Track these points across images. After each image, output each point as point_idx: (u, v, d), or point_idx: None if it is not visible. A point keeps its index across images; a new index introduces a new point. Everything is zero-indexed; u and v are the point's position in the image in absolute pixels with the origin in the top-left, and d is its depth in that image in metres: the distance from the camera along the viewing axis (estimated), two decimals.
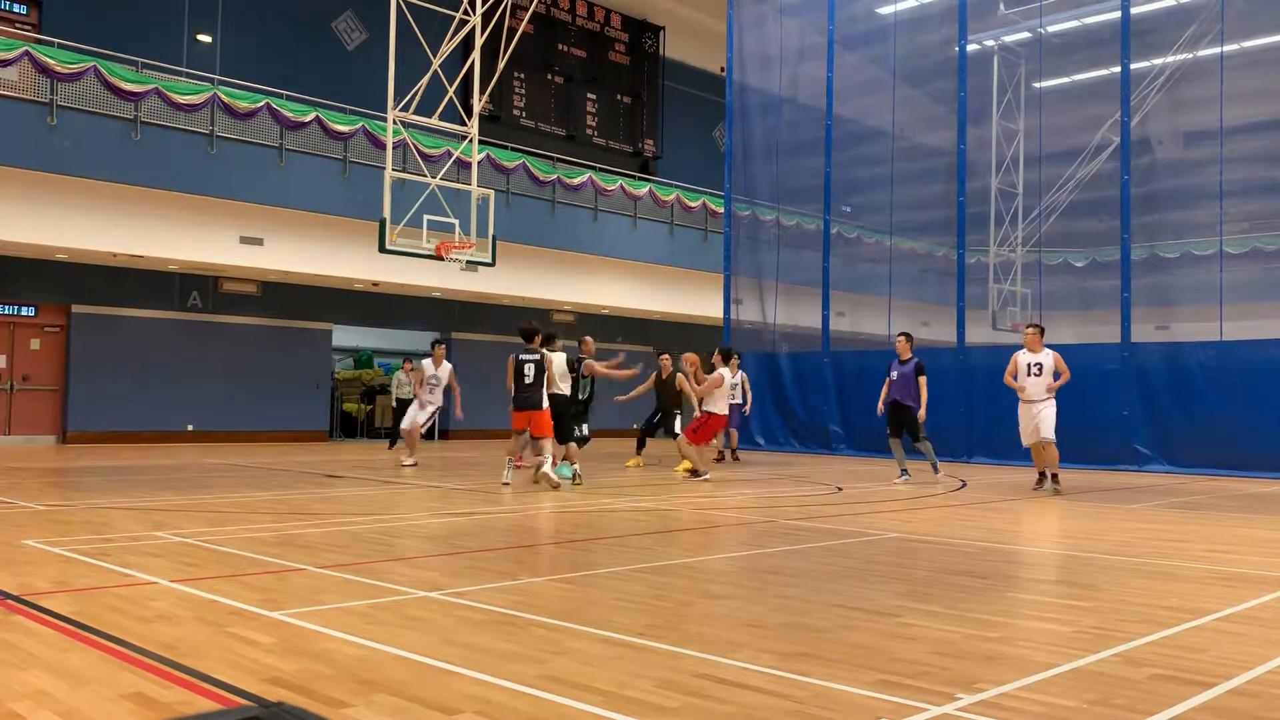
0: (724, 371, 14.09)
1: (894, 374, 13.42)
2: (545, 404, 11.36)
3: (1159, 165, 20.28)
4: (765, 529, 8.40)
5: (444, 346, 15.77)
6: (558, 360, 12.10)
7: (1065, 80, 22.53)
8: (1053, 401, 12.04)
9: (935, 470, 13.85)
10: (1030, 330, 12.42)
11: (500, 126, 25.22)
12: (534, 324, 11.71)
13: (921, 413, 13.23)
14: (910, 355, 13.48)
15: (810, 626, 4.57)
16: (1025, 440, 12.31)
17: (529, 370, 11.30)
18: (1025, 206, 23.14)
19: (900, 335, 13.81)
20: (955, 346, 19.13)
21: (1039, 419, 11.98)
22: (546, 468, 11.40)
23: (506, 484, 11.54)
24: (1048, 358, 12.07)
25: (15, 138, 16.50)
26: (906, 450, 13.60)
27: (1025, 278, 23.32)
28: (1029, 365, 12.13)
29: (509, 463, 11.82)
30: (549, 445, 11.54)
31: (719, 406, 13.60)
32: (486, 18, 17.33)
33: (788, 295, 22.13)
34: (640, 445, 16.42)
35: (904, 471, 13.43)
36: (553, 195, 23.58)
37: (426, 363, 15.20)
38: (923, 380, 13.23)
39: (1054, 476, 12.16)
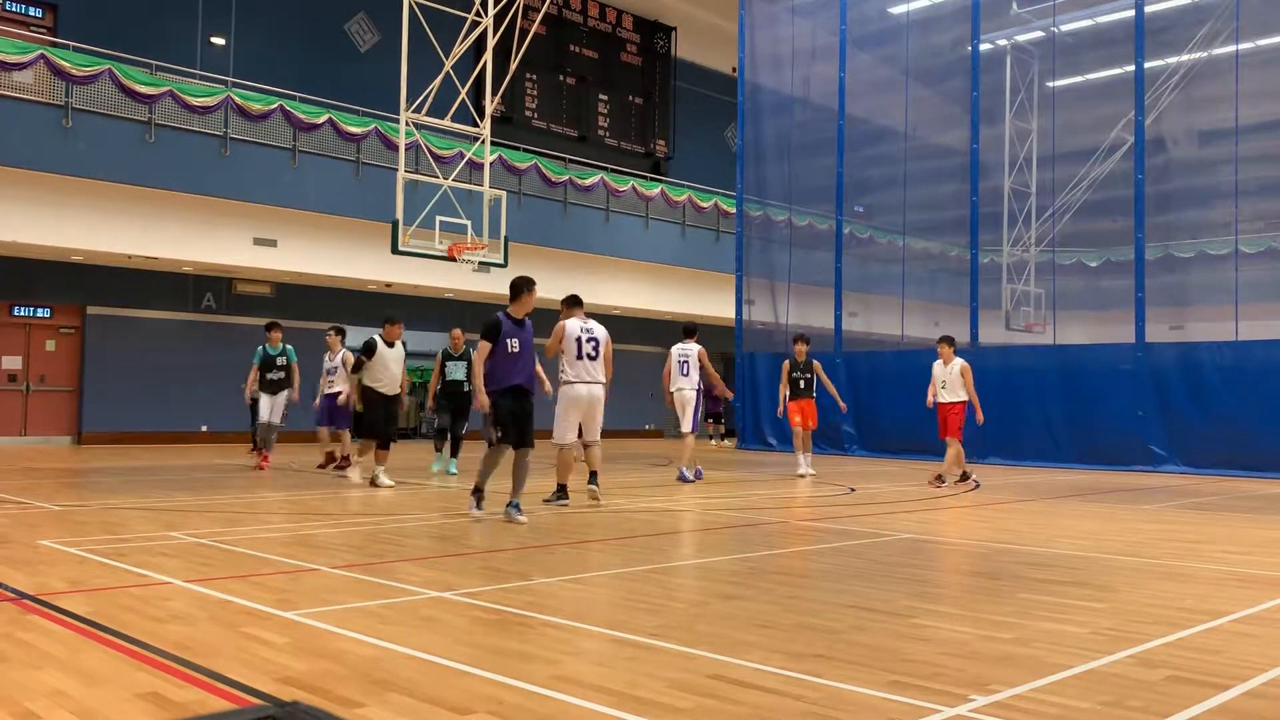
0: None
1: None
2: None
3: (1173, 164, 20.19)
4: (777, 529, 8.39)
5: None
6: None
7: (1079, 79, 22.44)
8: (595, 389, 9.70)
9: (500, 509, 8.61)
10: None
11: (512, 127, 25.27)
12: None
13: (478, 381, 8.15)
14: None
15: (822, 627, 4.56)
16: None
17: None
18: (1039, 206, 23.04)
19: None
20: (969, 347, 19.08)
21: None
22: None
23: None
24: (599, 329, 9.99)
25: (31, 140, 16.62)
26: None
27: (1039, 278, 23.22)
28: None
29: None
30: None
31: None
32: (498, 19, 17.36)
33: (800, 296, 22.10)
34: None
35: (509, 504, 8.49)
36: (564, 196, 23.60)
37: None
38: (483, 346, 8.23)
39: (591, 476, 9.95)
